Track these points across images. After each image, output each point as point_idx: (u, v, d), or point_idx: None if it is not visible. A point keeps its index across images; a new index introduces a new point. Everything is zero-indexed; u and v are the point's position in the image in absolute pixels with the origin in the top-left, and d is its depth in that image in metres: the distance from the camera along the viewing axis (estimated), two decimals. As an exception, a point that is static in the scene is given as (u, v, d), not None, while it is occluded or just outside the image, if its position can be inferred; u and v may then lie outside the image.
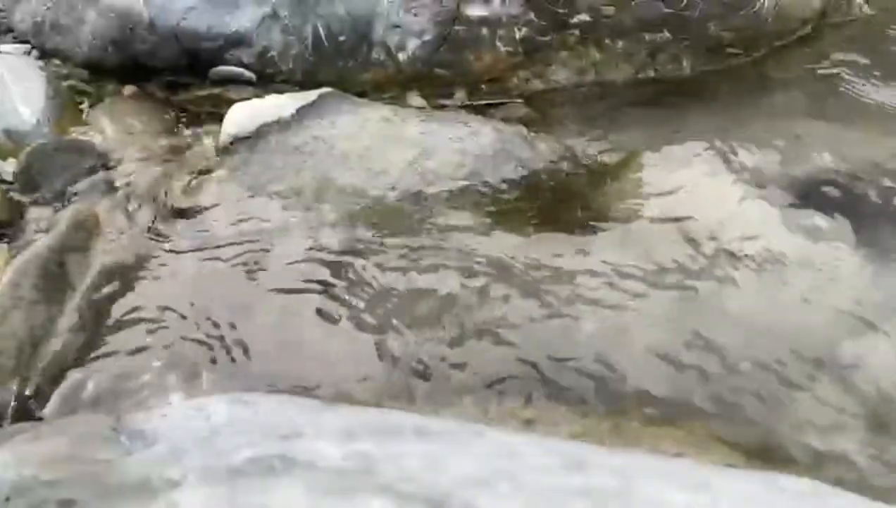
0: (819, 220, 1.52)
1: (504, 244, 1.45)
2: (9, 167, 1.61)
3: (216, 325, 1.30)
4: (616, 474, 0.49)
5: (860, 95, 1.85)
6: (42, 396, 1.22)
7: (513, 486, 0.47)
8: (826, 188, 1.60)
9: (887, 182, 1.59)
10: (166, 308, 1.34)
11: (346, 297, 1.34)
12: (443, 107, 1.79)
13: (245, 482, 0.52)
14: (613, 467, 0.51)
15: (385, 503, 0.45)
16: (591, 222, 1.52)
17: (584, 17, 1.81)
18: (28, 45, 1.91)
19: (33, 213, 1.57)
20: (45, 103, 1.71)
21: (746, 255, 1.43)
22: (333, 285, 1.36)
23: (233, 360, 1.22)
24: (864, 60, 1.97)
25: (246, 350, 1.25)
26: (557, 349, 1.26)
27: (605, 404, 1.17)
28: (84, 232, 1.47)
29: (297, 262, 1.41)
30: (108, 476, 0.69)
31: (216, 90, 1.74)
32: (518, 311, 1.31)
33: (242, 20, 1.70)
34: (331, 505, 0.46)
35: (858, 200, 1.57)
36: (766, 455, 1.12)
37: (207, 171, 1.65)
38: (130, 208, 1.60)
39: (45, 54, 1.90)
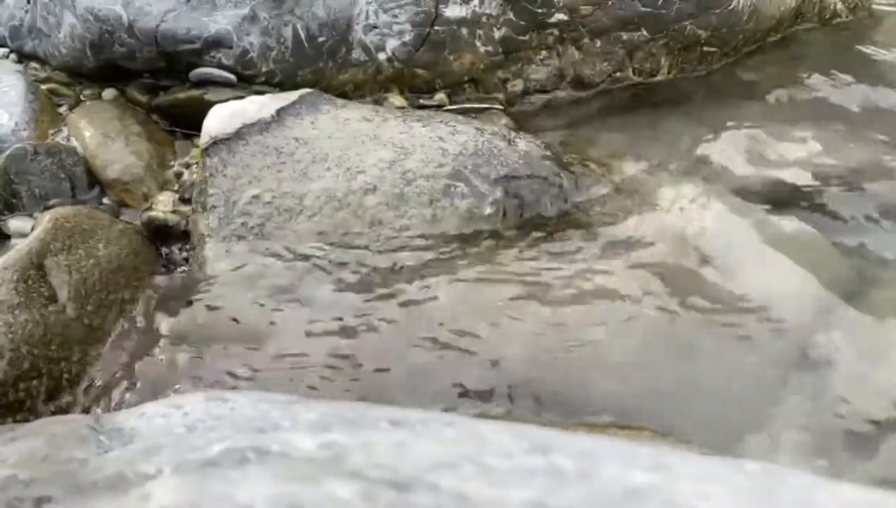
0: (792, 223, 1.54)
1: (483, 247, 1.46)
2: (-13, 172, 1.60)
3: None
4: (580, 456, 0.50)
5: (832, 98, 1.88)
6: (20, 398, 1.22)
7: (477, 468, 0.48)
8: (801, 192, 1.62)
9: (861, 188, 1.62)
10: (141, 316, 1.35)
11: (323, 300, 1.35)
12: (423, 107, 1.80)
13: (217, 472, 0.53)
14: (578, 450, 0.52)
15: (352, 487, 0.45)
16: (571, 225, 1.54)
17: (562, 16, 1.82)
18: (5, 49, 1.91)
19: (12, 217, 1.56)
20: (23, 107, 1.70)
21: (721, 259, 1.45)
22: (307, 287, 1.37)
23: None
24: (837, 63, 2.00)
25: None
26: (534, 357, 1.27)
27: (578, 410, 1.19)
28: (64, 235, 1.47)
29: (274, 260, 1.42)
30: (83, 473, 0.69)
31: (196, 92, 1.73)
32: (494, 318, 1.32)
33: (221, 22, 1.70)
34: (297, 491, 0.47)
35: (832, 204, 1.59)
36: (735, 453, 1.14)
37: (188, 175, 1.65)
38: (111, 212, 1.60)
39: (22, 57, 1.89)
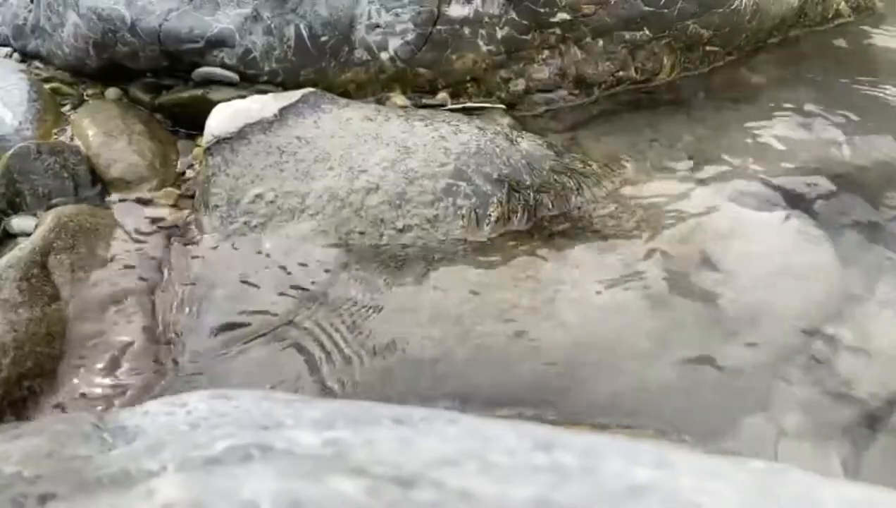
0: (794, 223, 1.54)
1: (484, 248, 1.46)
2: (-10, 171, 1.60)
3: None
4: (583, 453, 0.50)
5: (835, 98, 1.88)
6: (25, 395, 1.23)
7: (481, 465, 0.48)
8: (803, 192, 1.62)
9: (865, 187, 1.62)
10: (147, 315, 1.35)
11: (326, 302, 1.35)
12: (426, 106, 1.80)
13: (221, 468, 0.53)
14: (582, 447, 0.52)
15: (356, 484, 0.46)
16: (573, 224, 1.54)
17: (565, 15, 1.82)
18: (9, 48, 1.91)
19: (15, 216, 1.57)
20: (26, 106, 1.70)
21: (723, 259, 1.45)
22: (313, 288, 1.37)
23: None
24: (840, 63, 2.00)
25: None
26: (533, 358, 1.27)
27: (582, 409, 1.19)
28: (67, 234, 1.47)
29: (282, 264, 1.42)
30: (87, 470, 0.70)
31: (199, 92, 1.74)
32: (495, 320, 1.32)
33: (224, 21, 1.70)
34: (301, 487, 0.47)
35: (836, 203, 1.59)
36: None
37: (191, 174, 1.65)
38: (114, 211, 1.61)
39: (26, 57, 1.89)
